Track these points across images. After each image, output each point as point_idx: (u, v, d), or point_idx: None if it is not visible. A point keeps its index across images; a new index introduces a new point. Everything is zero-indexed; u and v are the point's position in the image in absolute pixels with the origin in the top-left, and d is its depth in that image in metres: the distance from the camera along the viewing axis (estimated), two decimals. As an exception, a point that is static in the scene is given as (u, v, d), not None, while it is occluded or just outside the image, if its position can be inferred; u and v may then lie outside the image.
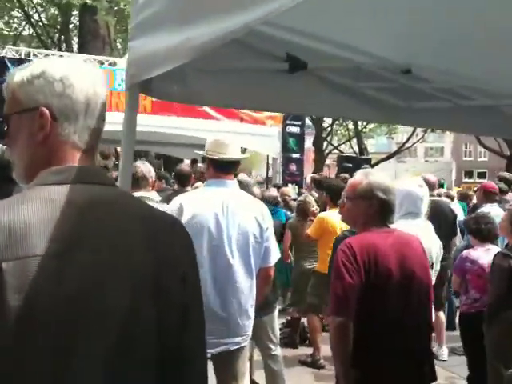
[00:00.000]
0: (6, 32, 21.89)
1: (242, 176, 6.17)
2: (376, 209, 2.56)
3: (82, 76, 1.16)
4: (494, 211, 5.55)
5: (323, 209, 6.00)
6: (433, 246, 3.61)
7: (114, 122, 8.27)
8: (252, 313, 3.10)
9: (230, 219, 2.96)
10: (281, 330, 6.38)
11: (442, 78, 2.64)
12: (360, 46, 2.34)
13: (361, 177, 2.65)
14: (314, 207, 6.03)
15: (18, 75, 1.15)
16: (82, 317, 1.02)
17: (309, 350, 5.76)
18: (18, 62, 9.67)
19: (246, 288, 3.02)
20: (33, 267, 0.98)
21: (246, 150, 11.14)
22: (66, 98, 1.13)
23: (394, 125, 17.77)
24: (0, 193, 1.86)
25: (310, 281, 5.65)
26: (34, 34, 21.27)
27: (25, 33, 22.38)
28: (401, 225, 3.28)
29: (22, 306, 0.96)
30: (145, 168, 4.34)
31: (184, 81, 2.06)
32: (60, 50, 17.71)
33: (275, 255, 3.20)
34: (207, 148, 3.13)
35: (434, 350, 5.77)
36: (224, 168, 3.11)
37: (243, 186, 4.58)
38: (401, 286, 2.45)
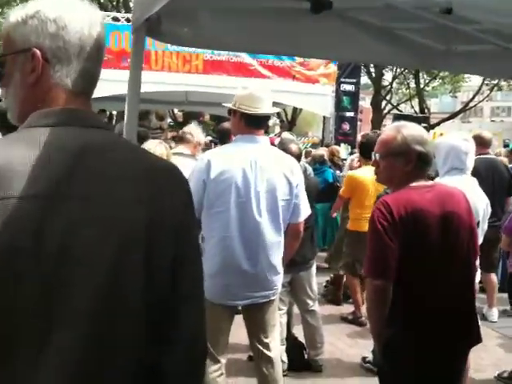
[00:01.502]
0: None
1: (285, 134, 6.07)
2: (414, 164, 2.37)
3: (77, 17, 1.11)
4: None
5: None
6: (479, 202, 3.40)
7: (168, 82, 8.36)
8: (281, 268, 3.05)
9: (258, 175, 2.88)
10: (325, 287, 6.41)
11: (487, 17, 2.39)
12: (392, -18, 2.15)
13: (392, 132, 2.42)
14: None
15: (13, 16, 1.12)
16: (63, 266, 0.98)
17: (353, 308, 5.69)
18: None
19: (274, 244, 2.96)
20: (13, 208, 0.96)
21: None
22: (58, 40, 1.09)
23: (432, 70, 16.76)
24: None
25: (345, 240, 5.56)
26: (94, -2, 21.48)
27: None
28: (446, 181, 3.11)
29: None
30: (193, 128, 4.67)
31: (196, 23, 1.96)
32: (118, 12, 17.81)
33: (305, 212, 3.11)
34: (239, 101, 2.97)
35: (484, 311, 5.67)
36: (257, 123, 3.00)
37: (282, 142, 4.51)
38: (443, 241, 2.29)
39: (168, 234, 1.08)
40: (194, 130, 4.60)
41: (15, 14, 1.11)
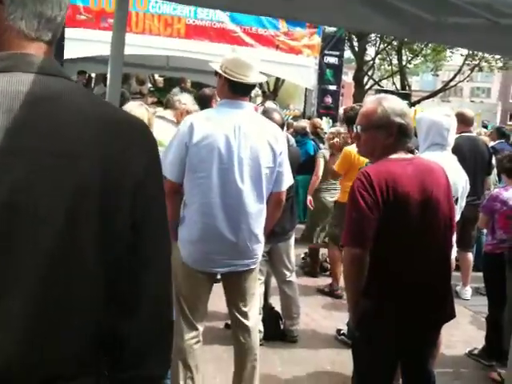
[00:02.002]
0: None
1: (269, 103, 5.99)
2: (395, 137, 2.37)
3: None
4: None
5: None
6: (459, 179, 3.41)
7: (148, 45, 8.17)
8: (262, 237, 3.03)
9: (241, 141, 2.83)
10: (303, 259, 6.47)
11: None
12: None
13: (373, 104, 2.42)
14: (336, 139, 5.75)
15: None
16: (17, 222, 0.94)
17: (329, 280, 5.75)
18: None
19: (256, 212, 2.93)
20: None
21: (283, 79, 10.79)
22: None
23: (418, 42, 16.62)
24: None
25: (333, 211, 5.57)
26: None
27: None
28: (426, 156, 3.10)
29: None
30: (185, 96, 4.58)
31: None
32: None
33: (288, 180, 3.08)
34: (226, 65, 2.89)
35: (457, 288, 5.76)
36: (243, 90, 2.93)
37: (266, 111, 4.43)
38: (422, 216, 2.31)
39: (125, 194, 1.02)
40: (185, 98, 4.47)
41: None
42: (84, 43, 8.95)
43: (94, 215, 0.98)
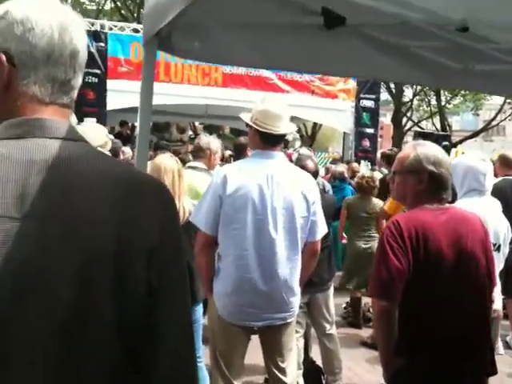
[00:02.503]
0: (88, 7, 22.72)
1: (303, 150, 6.03)
2: (426, 184, 2.34)
3: (48, 19, 1.02)
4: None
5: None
6: (500, 226, 3.33)
7: (187, 94, 8.35)
8: (298, 288, 2.98)
9: (274, 192, 2.82)
10: (345, 308, 6.27)
11: (504, 37, 2.34)
12: (407, -1, 2.10)
13: (408, 149, 2.44)
14: (370, 183, 5.69)
15: None
16: (21, 295, 0.92)
17: (371, 331, 5.52)
18: (94, 34, 9.94)
19: (291, 263, 2.89)
20: None
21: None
22: (24, 43, 1.01)
23: (453, 89, 16.37)
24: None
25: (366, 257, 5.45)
26: (115, 8, 21.86)
27: (106, 7, 23.07)
28: (463, 203, 3.04)
29: None
30: (204, 140, 4.40)
31: (208, 37, 1.93)
32: (139, 23, 18.01)
33: (322, 230, 3.04)
34: (257, 117, 2.93)
35: (507, 339, 5.45)
36: (273, 140, 2.95)
37: (299, 158, 4.45)
38: (455, 267, 2.22)
39: (139, 255, 1.00)
40: (203, 143, 4.32)
41: None
42: (126, 94, 9.27)
43: (109, 274, 0.97)
